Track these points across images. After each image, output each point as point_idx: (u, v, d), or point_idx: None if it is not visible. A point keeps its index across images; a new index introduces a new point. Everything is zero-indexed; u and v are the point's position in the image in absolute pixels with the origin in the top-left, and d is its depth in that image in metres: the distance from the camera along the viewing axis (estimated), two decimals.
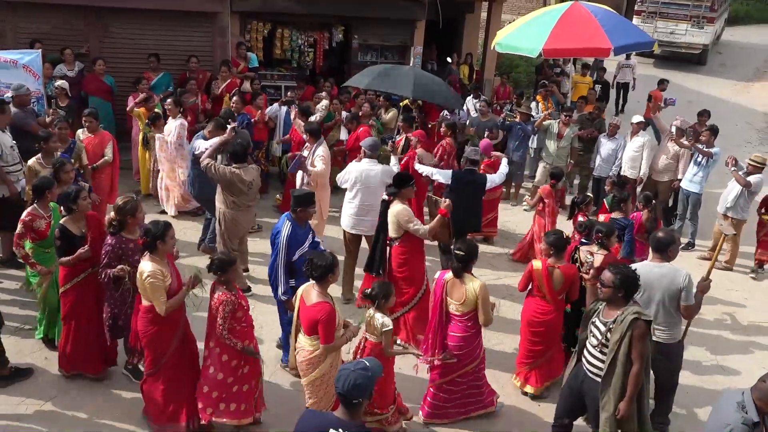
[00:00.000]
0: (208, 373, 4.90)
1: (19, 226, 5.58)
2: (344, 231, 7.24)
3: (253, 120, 9.31)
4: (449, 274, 5.22)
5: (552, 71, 13.89)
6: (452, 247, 5.32)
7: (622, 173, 9.68)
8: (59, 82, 9.20)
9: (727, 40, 24.12)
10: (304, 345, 4.71)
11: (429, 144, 9.38)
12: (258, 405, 5.10)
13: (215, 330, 4.80)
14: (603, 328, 4.51)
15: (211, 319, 4.86)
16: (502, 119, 10.56)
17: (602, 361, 4.51)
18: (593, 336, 4.61)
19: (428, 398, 5.44)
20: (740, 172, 8.24)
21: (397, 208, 6.15)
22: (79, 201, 5.37)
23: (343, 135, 9.67)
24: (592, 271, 5.25)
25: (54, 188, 5.78)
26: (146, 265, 4.73)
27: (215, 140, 7.22)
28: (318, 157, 7.51)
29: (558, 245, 5.58)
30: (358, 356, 4.94)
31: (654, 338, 5.05)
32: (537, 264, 5.64)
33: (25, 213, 5.64)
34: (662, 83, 13.50)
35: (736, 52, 22.92)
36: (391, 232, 6.27)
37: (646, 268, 5.10)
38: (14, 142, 7.20)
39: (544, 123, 10.11)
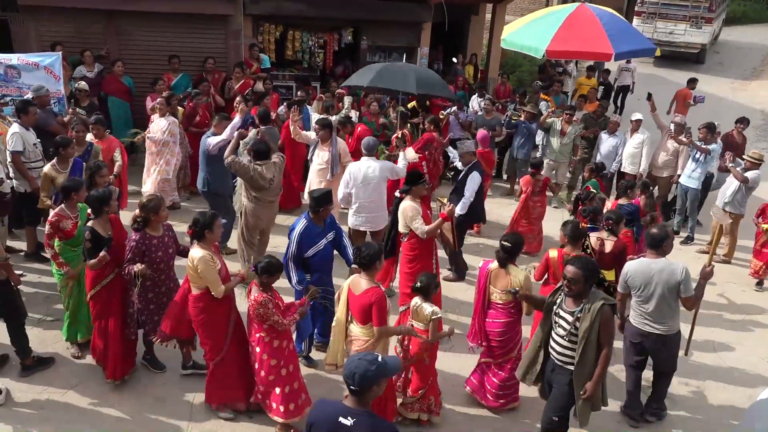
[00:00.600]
0: (254, 371, 5.11)
1: (47, 226, 5.62)
2: (349, 228, 7.43)
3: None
4: (493, 264, 5.43)
5: (554, 70, 14.21)
6: (500, 239, 5.53)
7: (622, 169, 10.03)
8: (79, 84, 9.50)
9: (724, 39, 24.36)
10: (359, 335, 4.87)
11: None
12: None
13: (254, 331, 4.98)
14: (570, 318, 4.60)
15: (250, 320, 5.02)
16: (508, 117, 10.88)
17: (571, 350, 4.63)
18: (560, 327, 4.69)
19: (477, 371, 5.73)
20: (738, 168, 8.53)
21: (404, 205, 6.37)
22: (111, 203, 5.48)
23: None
24: (522, 291, 5.28)
25: (81, 190, 5.78)
26: (196, 252, 4.92)
27: (229, 128, 7.47)
28: (345, 152, 7.93)
29: (573, 235, 5.81)
30: (405, 342, 5.18)
31: (654, 330, 5.31)
32: (553, 253, 5.87)
33: (52, 213, 5.66)
34: (692, 82, 13.75)
35: (733, 52, 23.16)
36: (401, 228, 6.47)
37: (643, 264, 5.31)
38: (38, 140, 7.48)
39: (547, 120, 10.45)
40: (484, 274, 5.48)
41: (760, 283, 8.42)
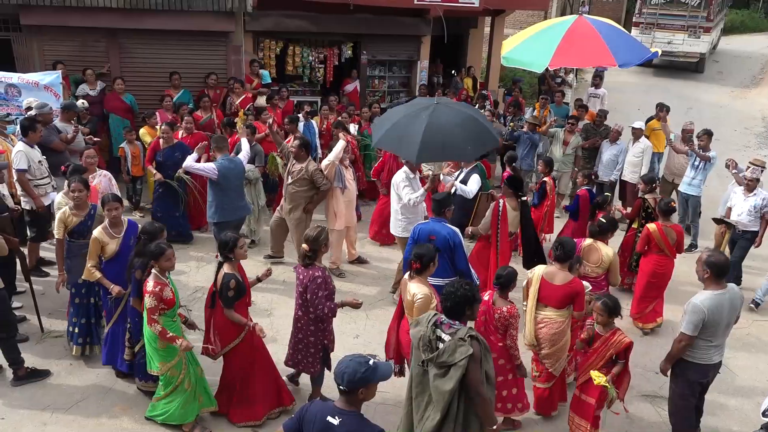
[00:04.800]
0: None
1: (149, 299, 4.90)
2: (396, 237, 7.65)
3: (261, 133, 9.48)
4: (586, 241, 6.35)
5: (554, 82, 14.20)
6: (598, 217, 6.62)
7: (623, 178, 10.04)
8: (79, 102, 9.53)
9: (723, 48, 24.49)
10: (555, 318, 5.40)
11: None
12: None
13: (496, 341, 5.13)
14: None
15: (492, 330, 5.19)
16: (510, 129, 10.90)
17: None
18: None
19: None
20: (740, 175, 8.53)
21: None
22: (237, 249, 5.13)
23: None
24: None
25: (164, 258, 5.01)
26: (421, 288, 4.91)
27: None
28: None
29: (665, 210, 7.06)
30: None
31: (721, 357, 5.04)
32: (652, 226, 7.03)
33: (152, 283, 4.94)
34: None
35: (732, 60, 23.28)
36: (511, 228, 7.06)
37: (718, 299, 4.81)
38: (43, 157, 7.51)
39: (549, 130, 10.44)
40: (577, 250, 6.13)
41: None
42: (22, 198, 7.38)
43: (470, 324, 4.32)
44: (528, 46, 10.81)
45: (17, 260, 6.58)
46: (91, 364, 6.10)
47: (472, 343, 3.94)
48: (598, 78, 13.44)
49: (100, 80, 10.47)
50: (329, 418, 3.25)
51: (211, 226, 7.87)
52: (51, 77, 9.14)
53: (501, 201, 7.05)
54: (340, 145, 7.91)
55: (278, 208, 8.20)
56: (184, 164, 7.66)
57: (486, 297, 5.29)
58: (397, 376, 5.36)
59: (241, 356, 5.24)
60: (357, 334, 6.84)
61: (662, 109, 10.10)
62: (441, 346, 4.00)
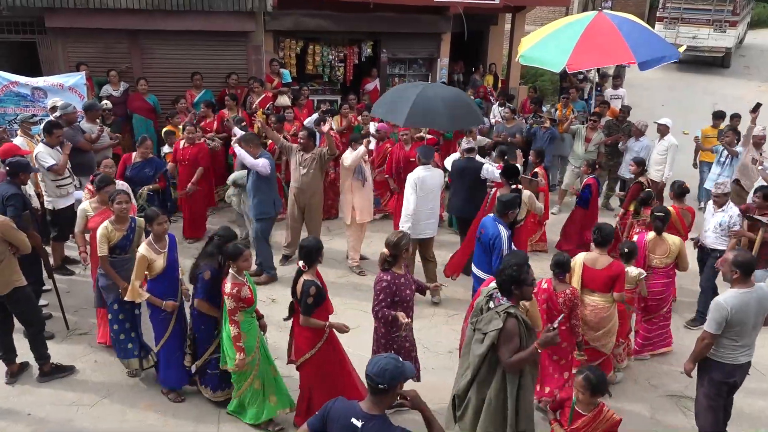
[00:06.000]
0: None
1: (228, 301, 4.99)
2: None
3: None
4: (649, 235, 6.40)
5: (576, 78, 14.04)
6: (652, 209, 6.68)
7: (647, 176, 9.87)
8: (103, 103, 9.66)
9: (750, 42, 24.06)
10: (599, 302, 5.66)
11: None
12: None
13: (561, 325, 5.04)
14: None
15: (555, 316, 5.17)
16: (529, 126, 10.82)
17: None
18: None
19: (637, 338, 6.61)
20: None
21: (526, 193, 7.20)
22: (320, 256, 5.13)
23: (372, 146, 9.55)
24: None
25: (242, 259, 5.08)
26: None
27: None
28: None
29: (679, 193, 7.26)
30: None
31: (750, 357, 4.93)
32: (671, 209, 6.95)
33: (229, 285, 5.00)
34: None
35: (759, 55, 22.85)
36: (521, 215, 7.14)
37: (744, 297, 4.73)
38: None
39: (572, 127, 10.34)
40: (642, 244, 6.36)
41: None
42: (45, 198, 7.51)
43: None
44: (546, 44, 10.53)
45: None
46: (117, 362, 6.11)
47: (507, 319, 4.12)
48: (618, 78, 13.28)
49: (123, 81, 10.60)
50: (353, 420, 3.20)
51: (253, 222, 7.86)
52: (75, 79, 9.31)
53: (493, 190, 7.21)
54: (361, 150, 7.86)
55: (290, 203, 8.08)
56: (247, 162, 7.54)
57: (545, 285, 5.45)
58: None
59: (316, 364, 5.09)
60: None
61: (754, 110, 9.72)
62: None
